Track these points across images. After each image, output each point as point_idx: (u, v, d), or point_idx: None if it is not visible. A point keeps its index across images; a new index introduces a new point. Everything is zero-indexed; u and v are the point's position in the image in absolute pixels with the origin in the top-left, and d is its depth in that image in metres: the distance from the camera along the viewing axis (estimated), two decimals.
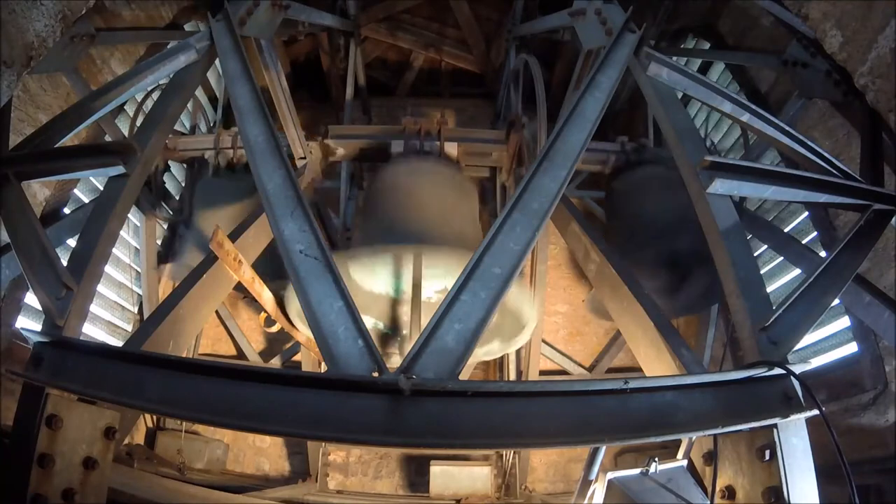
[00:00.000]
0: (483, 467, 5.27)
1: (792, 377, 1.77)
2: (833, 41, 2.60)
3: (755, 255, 4.58)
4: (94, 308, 4.84)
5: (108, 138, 4.35)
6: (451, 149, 4.20)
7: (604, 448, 1.81)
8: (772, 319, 1.99)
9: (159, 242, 5.31)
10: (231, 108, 2.88)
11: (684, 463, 1.87)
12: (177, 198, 5.61)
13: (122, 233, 3.89)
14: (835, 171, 2.44)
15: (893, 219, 2.27)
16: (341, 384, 1.65)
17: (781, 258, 4.31)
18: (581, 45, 3.48)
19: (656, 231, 4.02)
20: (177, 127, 5.35)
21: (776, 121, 2.65)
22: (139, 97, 4.64)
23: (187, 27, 5.28)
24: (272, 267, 3.43)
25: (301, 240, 2.14)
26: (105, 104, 2.82)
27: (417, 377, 1.64)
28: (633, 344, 2.53)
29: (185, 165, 5.68)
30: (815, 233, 4.02)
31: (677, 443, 1.92)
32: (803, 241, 4.00)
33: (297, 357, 5.94)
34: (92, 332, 4.84)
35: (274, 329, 4.77)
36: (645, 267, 3.94)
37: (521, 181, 2.32)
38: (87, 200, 4.42)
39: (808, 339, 3.81)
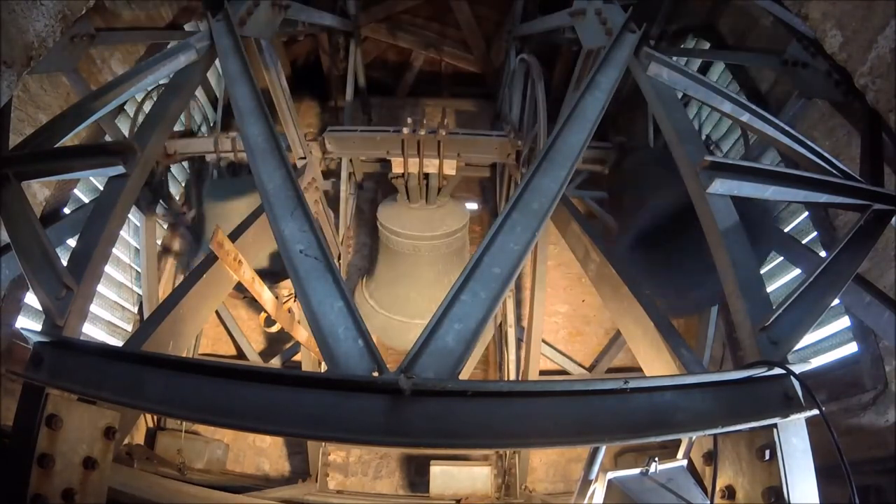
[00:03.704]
0: (483, 467, 5.28)
1: (792, 377, 1.77)
2: (833, 41, 2.59)
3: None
4: (94, 308, 4.84)
5: (108, 138, 4.35)
6: (450, 168, 4.22)
7: (604, 448, 1.81)
8: (772, 319, 1.99)
9: (159, 242, 5.31)
10: (231, 109, 2.88)
11: (684, 463, 1.87)
12: (177, 198, 5.62)
13: (122, 233, 3.89)
14: (835, 171, 2.44)
15: (893, 219, 2.27)
16: (341, 384, 1.65)
17: (781, 258, 4.31)
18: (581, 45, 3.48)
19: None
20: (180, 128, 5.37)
21: (776, 121, 2.65)
22: (139, 97, 4.65)
23: (187, 27, 5.28)
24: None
25: (301, 240, 2.14)
26: (105, 104, 2.82)
27: (417, 377, 1.63)
28: (633, 344, 2.53)
29: (185, 165, 5.70)
30: (815, 233, 4.02)
31: (677, 443, 1.92)
32: (803, 241, 3.99)
33: (297, 357, 5.95)
34: (92, 332, 4.84)
35: (274, 329, 4.78)
36: (656, 261, 3.87)
37: (521, 181, 2.32)
38: (87, 200, 4.42)
39: (808, 339, 3.81)
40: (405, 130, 4.02)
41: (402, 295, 4.96)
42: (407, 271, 4.83)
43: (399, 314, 4.97)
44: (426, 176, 4.40)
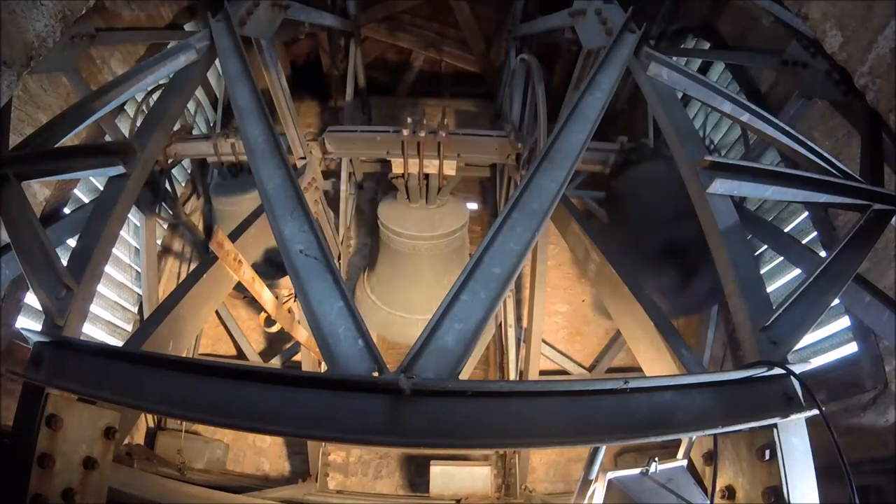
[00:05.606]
0: (483, 467, 5.27)
1: (792, 377, 1.77)
2: (833, 41, 2.59)
3: (755, 255, 4.60)
4: (94, 308, 4.84)
5: (108, 138, 4.35)
6: (450, 169, 4.23)
7: (604, 448, 1.81)
8: (772, 319, 1.99)
9: (159, 242, 5.31)
10: (231, 109, 2.88)
11: (684, 463, 1.87)
12: (177, 198, 5.62)
13: (122, 233, 3.89)
14: (835, 171, 2.44)
15: (893, 219, 2.27)
16: (341, 384, 1.65)
17: (781, 258, 4.31)
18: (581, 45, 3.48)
19: (659, 224, 3.98)
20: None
21: (776, 121, 2.65)
22: (139, 97, 4.65)
23: (187, 27, 5.28)
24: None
25: (301, 240, 2.14)
26: (105, 104, 2.82)
27: (417, 377, 1.63)
28: (633, 344, 2.53)
29: (185, 164, 5.70)
30: (815, 233, 4.02)
31: (677, 443, 1.92)
32: (803, 241, 3.99)
33: (297, 357, 5.95)
34: (92, 332, 4.84)
35: (274, 329, 4.78)
36: (650, 264, 3.92)
37: (521, 181, 2.32)
38: (87, 200, 4.42)
39: (808, 339, 3.81)
40: (405, 132, 4.02)
41: (402, 293, 5.03)
42: (407, 270, 4.88)
43: (401, 311, 5.03)
44: (426, 176, 4.40)
